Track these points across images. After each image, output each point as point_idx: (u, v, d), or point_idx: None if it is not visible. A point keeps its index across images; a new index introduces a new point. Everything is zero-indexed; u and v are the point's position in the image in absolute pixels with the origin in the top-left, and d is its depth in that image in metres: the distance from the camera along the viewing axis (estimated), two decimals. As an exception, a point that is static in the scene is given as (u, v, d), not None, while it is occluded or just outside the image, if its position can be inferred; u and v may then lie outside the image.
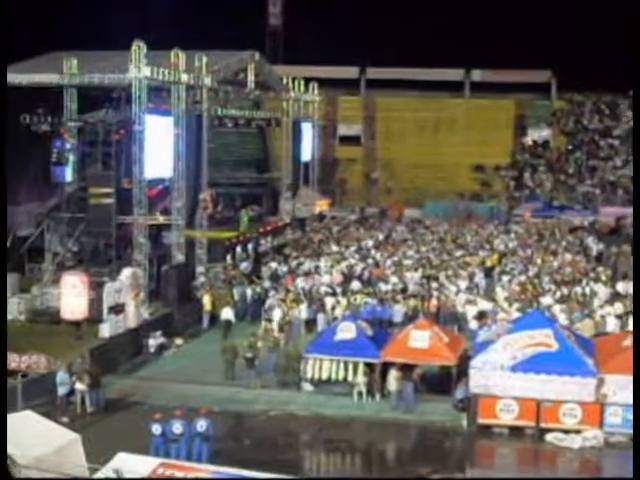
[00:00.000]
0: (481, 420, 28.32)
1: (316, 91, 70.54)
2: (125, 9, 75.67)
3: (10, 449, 15.87)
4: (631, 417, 26.30)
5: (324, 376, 31.34)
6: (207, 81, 47.55)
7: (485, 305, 39.18)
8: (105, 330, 35.66)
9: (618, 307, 37.77)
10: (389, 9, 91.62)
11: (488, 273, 47.59)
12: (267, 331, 36.29)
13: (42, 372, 30.66)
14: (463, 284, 43.71)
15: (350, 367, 30.97)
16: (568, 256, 52.12)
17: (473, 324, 37.27)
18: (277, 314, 38.15)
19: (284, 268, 48.63)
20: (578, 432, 27.46)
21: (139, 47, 41.18)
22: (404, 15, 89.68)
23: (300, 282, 44.03)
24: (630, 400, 26.10)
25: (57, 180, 45.76)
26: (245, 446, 27.22)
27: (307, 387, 31.60)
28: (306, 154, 69.95)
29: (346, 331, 31.43)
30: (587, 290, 41.98)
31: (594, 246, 57.15)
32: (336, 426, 29.09)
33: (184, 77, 44.64)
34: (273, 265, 49.19)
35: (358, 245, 56.35)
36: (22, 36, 64.01)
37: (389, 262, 50.04)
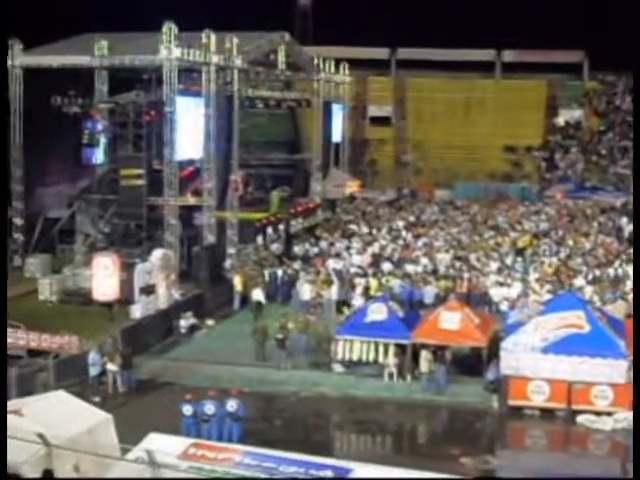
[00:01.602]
0: (512, 402, 28.28)
1: (346, 72, 70.19)
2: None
3: (42, 429, 15.97)
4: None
5: (355, 357, 31.36)
6: (238, 62, 47.52)
7: (516, 287, 39.01)
8: (136, 311, 35.88)
9: (650, 288, 37.48)
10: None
11: (519, 254, 47.33)
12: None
13: (74, 353, 30.90)
14: (494, 265, 43.50)
15: (381, 348, 30.99)
16: (600, 237, 51.80)
17: (504, 305, 37.11)
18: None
19: (315, 249, 48.63)
20: (609, 414, 27.36)
21: (170, 28, 41.26)
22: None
23: (331, 263, 43.99)
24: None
25: (88, 162, 45.95)
26: (276, 427, 27.35)
27: (338, 368, 31.63)
28: (336, 135, 69.75)
29: (377, 312, 31.42)
30: (619, 272, 41.69)
31: (626, 227, 56.68)
32: (367, 407, 29.14)
33: (215, 58, 44.63)
34: (304, 246, 49.21)
35: (389, 226, 56.21)
36: (52, 18, 64.29)
37: (420, 243, 49.89)
